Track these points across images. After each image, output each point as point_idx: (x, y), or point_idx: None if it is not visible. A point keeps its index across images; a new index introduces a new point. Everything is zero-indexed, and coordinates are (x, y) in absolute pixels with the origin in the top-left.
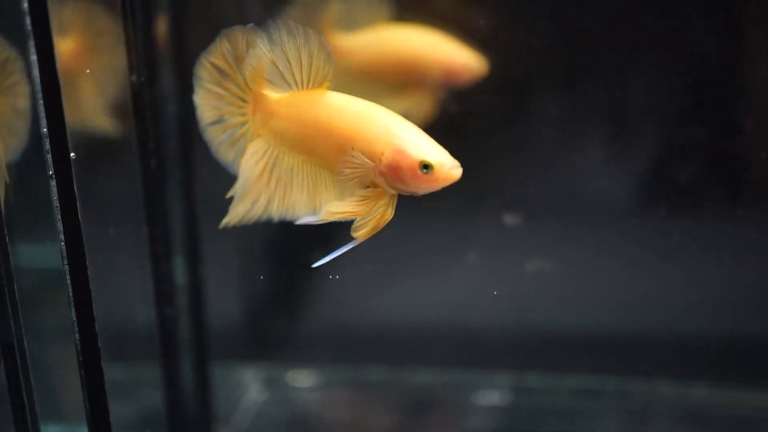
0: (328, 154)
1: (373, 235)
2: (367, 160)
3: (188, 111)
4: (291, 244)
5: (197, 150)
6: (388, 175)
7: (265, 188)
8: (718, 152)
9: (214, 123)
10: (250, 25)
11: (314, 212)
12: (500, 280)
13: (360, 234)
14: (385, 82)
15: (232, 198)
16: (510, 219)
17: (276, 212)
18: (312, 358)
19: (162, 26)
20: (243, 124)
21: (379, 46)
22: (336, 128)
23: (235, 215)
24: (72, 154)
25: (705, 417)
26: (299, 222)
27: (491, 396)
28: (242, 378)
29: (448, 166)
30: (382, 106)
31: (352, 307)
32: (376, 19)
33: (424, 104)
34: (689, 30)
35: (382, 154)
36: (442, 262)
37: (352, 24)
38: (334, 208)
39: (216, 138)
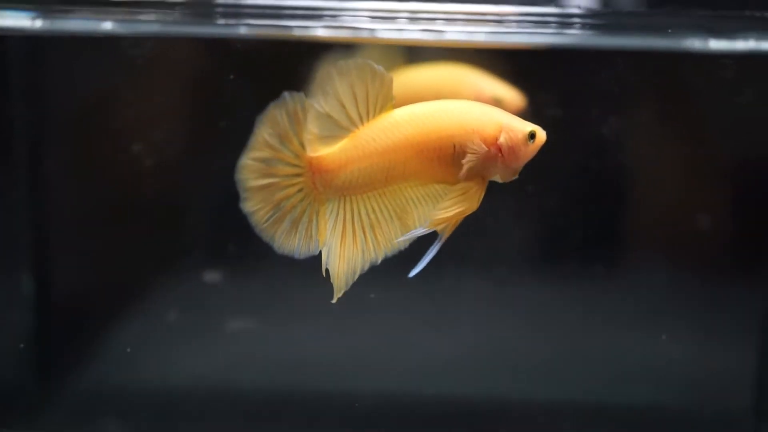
0: (422, 167)
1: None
2: (485, 146)
3: None
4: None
5: None
6: (507, 155)
7: (353, 244)
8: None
9: (271, 217)
10: (286, 93)
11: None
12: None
13: (440, 219)
14: None
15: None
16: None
17: (375, 257)
18: (66, 422)
19: None
20: (301, 200)
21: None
22: (432, 133)
23: (340, 284)
24: None
25: None
26: (408, 237)
27: None
28: None
29: (542, 131)
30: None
31: (108, 368)
32: (392, 65)
33: None
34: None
35: (496, 138)
36: (212, 323)
37: None
38: (442, 214)
39: (276, 231)
